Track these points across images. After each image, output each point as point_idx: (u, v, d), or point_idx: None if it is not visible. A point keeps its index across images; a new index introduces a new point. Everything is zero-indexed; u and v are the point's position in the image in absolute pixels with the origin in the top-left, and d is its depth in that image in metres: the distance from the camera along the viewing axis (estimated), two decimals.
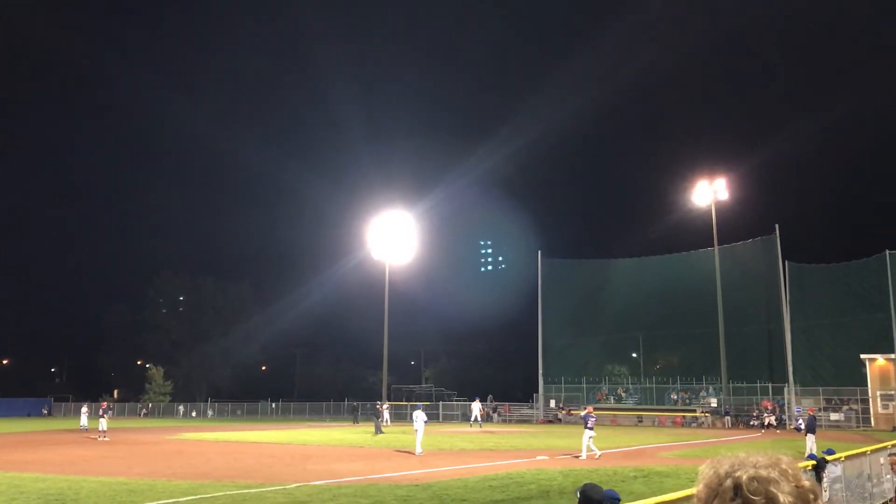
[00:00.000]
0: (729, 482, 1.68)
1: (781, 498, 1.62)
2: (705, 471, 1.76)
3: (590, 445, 27.16)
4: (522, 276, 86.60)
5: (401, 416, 62.15)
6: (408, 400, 76.82)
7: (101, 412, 41.00)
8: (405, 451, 30.26)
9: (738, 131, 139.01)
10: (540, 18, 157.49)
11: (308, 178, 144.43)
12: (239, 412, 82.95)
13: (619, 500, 8.20)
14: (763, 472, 1.66)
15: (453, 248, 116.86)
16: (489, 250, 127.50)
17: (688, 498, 8.36)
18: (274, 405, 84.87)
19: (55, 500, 16.86)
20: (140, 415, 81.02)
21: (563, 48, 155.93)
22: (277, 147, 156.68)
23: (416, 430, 29.82)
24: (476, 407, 57.68)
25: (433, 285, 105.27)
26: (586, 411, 28.94)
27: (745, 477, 1.66)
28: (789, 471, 1.68)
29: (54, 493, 17.67)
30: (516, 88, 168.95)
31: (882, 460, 14.38)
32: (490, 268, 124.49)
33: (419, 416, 30.19)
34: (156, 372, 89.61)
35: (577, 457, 27.20)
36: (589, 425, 27.38)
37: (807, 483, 1.69)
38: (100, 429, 38.99)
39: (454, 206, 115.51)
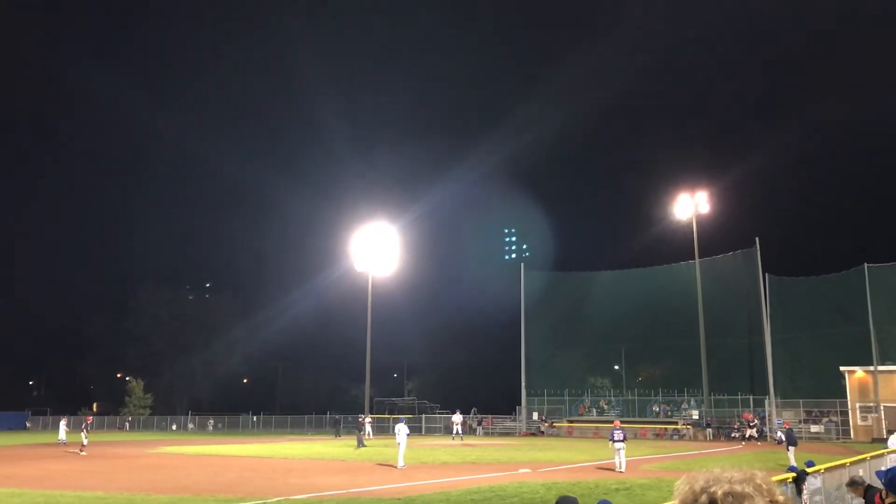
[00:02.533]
0: (704, 498, 1.70)
1: None
2: (681, 487, 1.78)
3: (620, 457, 27.84)
4: (505, 288, 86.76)
5: (383, 430, 61.90)
6: (390, 413, 76.55)
7: (83, 426, 40.52)
8: (387, 465, 30.14)
9: (718, 145, 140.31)
10: (521, 32, 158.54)
11: (291, 189, 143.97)
12: (220, 425, 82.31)
13: None
14: (738, 488, 1.68)
15: (436, 260, 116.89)
16: (472, 263, 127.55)
17: None
18: (256, 418, 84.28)
19: None
20: (125, 428, 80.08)
21: (546, 63, 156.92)
22: (260, 158, 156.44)
23: (399, 444, 29.70)
24: (457, 419, 57.71)
25: (417, 298, 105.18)
26: (613, 425, 29.92)
27: (720, 492, 1.68)
28: (764, 486, 1.71)
29: None
30: (499, 103, 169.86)
31: (861, 472, 14.49)
32: (472, 279, 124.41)
33: (401, 429, 30.06)
34: (136, 384, 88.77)
35: (613, 469, 27.86)
36: (618, 438, 27.96)
37: (781, 498, 1.71)
38: (82, 443, 38.41)
39: (437, 218, 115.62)
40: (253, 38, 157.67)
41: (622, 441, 28.01)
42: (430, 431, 68.57)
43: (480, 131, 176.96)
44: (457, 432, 56.20)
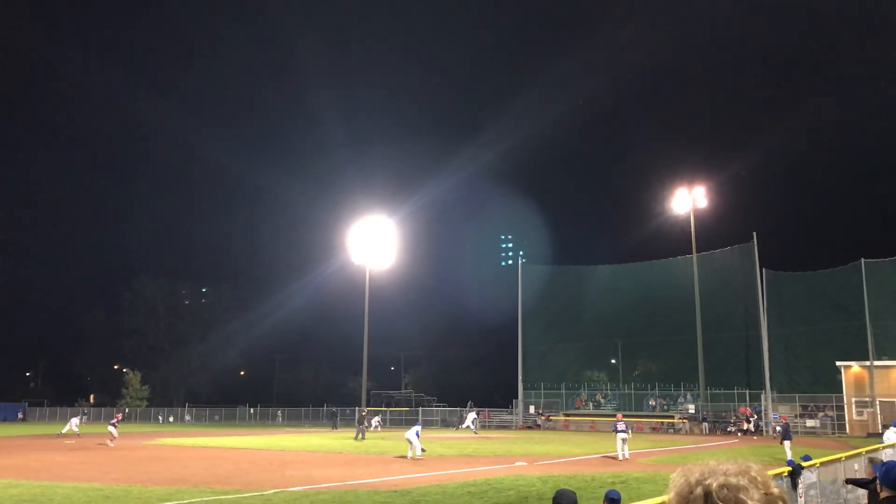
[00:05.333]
0: (699, 490, 1.69)
1: None
2: (676, 479, 1.78)
3: (622, 448, 29.63)
4: (503, 282, 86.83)
5: (390, 423, 61.92)
6: (387, 405, 76.65)
7: (113, 421, 40.19)
8: (383, 457, 30.31)
9: (717, 140, 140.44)
10: (518, 27, 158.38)
11: (289, 182, 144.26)
12: (217, 417, 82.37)
13: (616, 500, 8.34)
14: (733, 480, 1.68)
15: (433, 253, 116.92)
16: (469, 256, 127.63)
17: None
18: (252, 410, 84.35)
19: None
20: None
21: (543, 57, 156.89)
22: (258, 152, 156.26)
23: (410, 441, 29.98)
24: (471, 415, 58.85)
25: (414, 290, 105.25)
26: (617, 418, 32.30)
27: (715, 485, 1.68)
28: (759, 478, 1.70)
29: (27, 499, 17.44)
30: (496, 96, 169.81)
31: (856, 466, 14.53)
32: (470, 273, 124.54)
33: (414, 430, 30.45)
34: (133, 376, 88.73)
35: (616, 458, 29.54)
36: (620, 428, 29.93)
37: (776, 490, 1.70)
38: (111, 435, 38.02)
39: (435, 212, 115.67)
40: (250, 32, 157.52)
41: (625, 431, 30.02)
42: (427, 424, 68.61)
43: (478, 125, 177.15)
44: (469, 425, 57.04)
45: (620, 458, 29.14)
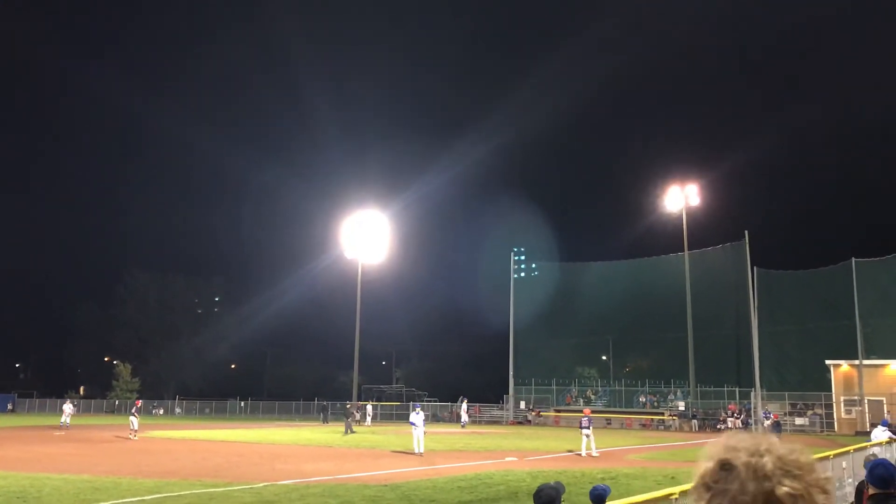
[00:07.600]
0: (752, 459, 1.50)
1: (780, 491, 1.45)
2: (711, 449, 1.58)
3: (588, 445, 29.42)
4: (495, 277, 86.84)
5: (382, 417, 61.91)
6: (378, 400, 76.67)
7: (133, 411, 39.98)
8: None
9: (709, 138, 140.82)
10: (511, 22, 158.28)
11: (281, 176, 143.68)
12: (208, 410, 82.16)
13: (602, 494, 8.33)
14: (788, 459, 1.48)
15: (427, 249, 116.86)
16: (462, 252, 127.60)
17: (654, 500, 8.43)
18: (243, 404, 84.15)
19: (17, 498, 16.60)
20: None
21: (534, 52, 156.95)
22: (250, 145, 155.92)
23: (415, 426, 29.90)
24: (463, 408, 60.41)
25: (406, 285, 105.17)
26: (584, 413, 31.65)
27: (769, 464, 1.48)
28: (807, 463, 1.50)
29: (16, 491, 17.40)
30: (488, 91, 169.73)
31: (844, 464, 14.63)
32: (463, 268, 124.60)
33: (417, 416, 30.23)
34: (123, 368, 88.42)
35: (579, 454, 29.43)
36: (583, 425, 29.65)
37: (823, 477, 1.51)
38: (131, 427, 37.90)
39: (428, 206, 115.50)
40: (243, 27, 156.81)
41: (588, 427, 29.61)
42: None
43: (470, 120, 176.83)
44: (464, 421, 58.36)
45: (584, 454, 29.01)
